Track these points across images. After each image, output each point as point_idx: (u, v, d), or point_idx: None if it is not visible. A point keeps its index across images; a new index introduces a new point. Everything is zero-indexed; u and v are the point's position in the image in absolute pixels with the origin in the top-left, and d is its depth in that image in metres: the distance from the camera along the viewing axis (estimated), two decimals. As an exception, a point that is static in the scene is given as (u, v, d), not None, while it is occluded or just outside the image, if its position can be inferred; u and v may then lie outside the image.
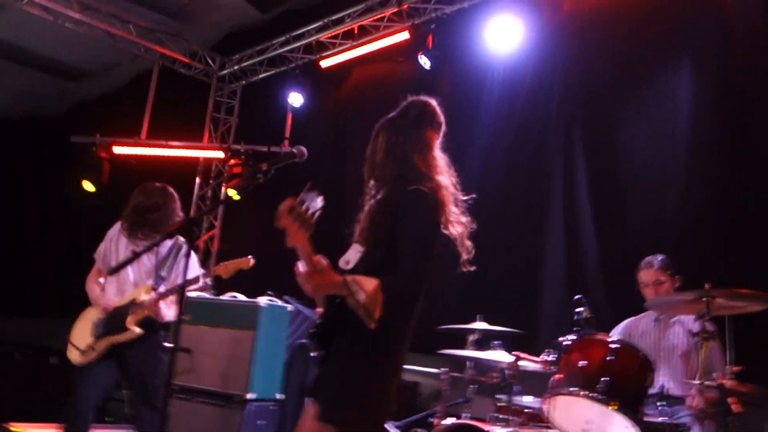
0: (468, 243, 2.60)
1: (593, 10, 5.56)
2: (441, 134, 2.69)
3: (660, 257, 4.00)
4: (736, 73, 4.63)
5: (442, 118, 2.70)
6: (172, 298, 3.99)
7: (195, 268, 4.20)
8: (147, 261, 4.09)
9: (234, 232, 8.58)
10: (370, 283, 2.24)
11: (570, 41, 5.60)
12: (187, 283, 3.82)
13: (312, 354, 2.60)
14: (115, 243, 4.16)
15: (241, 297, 5.19)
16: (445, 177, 2.57)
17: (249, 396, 4.68)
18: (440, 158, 2.63)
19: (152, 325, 3.96)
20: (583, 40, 5.51)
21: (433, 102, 2.71)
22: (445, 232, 2.48)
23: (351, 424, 2.38)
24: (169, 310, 4.00)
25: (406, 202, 2.42)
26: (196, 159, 8.76)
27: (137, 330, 3.90)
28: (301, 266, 2.36)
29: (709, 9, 4.85)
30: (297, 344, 5.61)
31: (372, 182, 2.67)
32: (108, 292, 4.07)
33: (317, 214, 2.29)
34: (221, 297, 5.22)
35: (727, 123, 4.61)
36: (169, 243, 4.16)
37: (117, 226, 4.21)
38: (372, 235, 2.46)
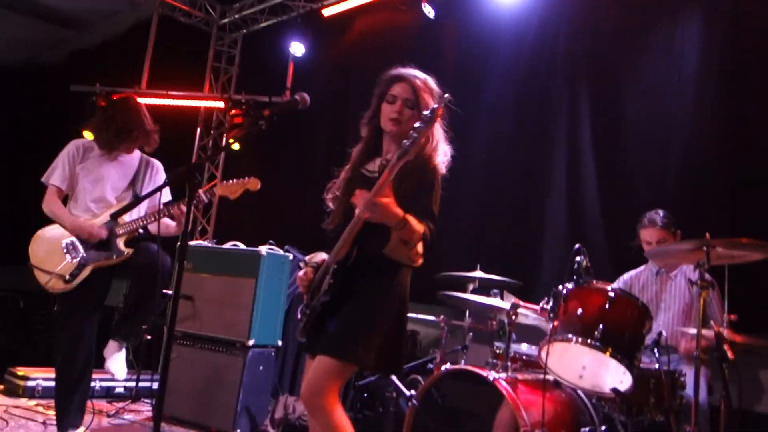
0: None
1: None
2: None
3: (662, 214, 3.99)
4: (743, 22, 4.55)
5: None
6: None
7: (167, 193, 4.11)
8: (118, 178, 4.03)
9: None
10: (419, 227, 2.46)
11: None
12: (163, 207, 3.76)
13: (315, 307, 2.61)
14: (93, 159, 4.00)
15: (243, 246, 5.22)
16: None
17: (250, 342, 4.74)
18: (442, 139, 2.74)
19: (142, 237, 3.95)
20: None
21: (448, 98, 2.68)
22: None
23: (369, 360, 2.49)
24: (152, 225, 3.96)
25: (423, 170, 2.59)
26: (197, 109, 8.70)
27: (129, 250, 3.87)
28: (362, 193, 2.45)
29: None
30: (297, 293, 5.67)
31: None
32: (79, 215, 3.93)
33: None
34: (222, 245, 5.24)
35: (732, 77, 4.54)
36: (136, 157, 4.13)
37: (78, 146, 4.03)
38: (400, 192, 2.51)
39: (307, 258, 2.88)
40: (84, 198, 3.95)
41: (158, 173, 4.19)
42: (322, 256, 2.78)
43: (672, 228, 3.97)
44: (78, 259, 3.82)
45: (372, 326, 2.53)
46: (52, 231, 3.93)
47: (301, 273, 2.78)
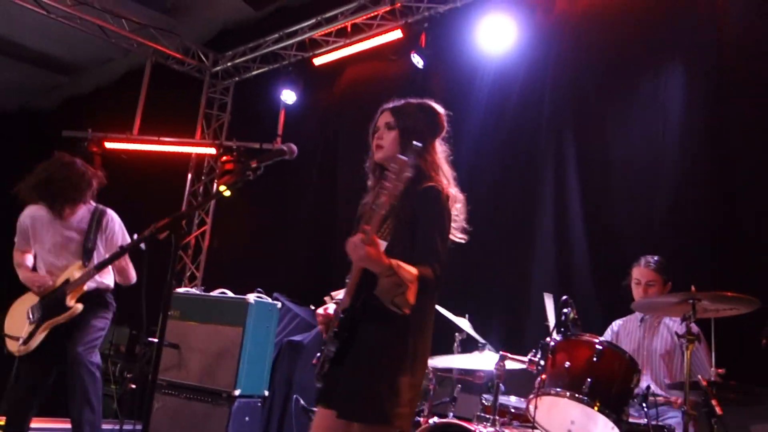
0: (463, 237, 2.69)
1: (585, 11, 5.57)
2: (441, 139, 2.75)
3: (657, 259, 4.01)
4: (727, 76, 4.63)
5: (445, 127, 2.74)
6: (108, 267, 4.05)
7: (124, 235, 4.25)
8: (67, 236, 4.13)
9: (225, 228, 8.57)
10: (411, 272, 2.32)
11: (562, 42, 5.60)
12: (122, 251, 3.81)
13: (326, 353, 2.52)
14: (43, 223, 4.17)
15: (231, 294, 5.19)
16: (449, 179, 2.67)
17: (236, 392, 4.68)
18: (444, 161, 2.71)
19: (93, 297, 4.05)
20: (574, 41, 5.52)
21: (441, 110, 2.73)
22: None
23: (381, 419, 2.34)
24: (107, 278, 4.15)
25: (426, 198, 2.48)
26: (188, 155, 8.75)
27: (79, 306, 3.96)
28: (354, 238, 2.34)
29: (701, 11, 4.86)
30: (285, 341, 5.62)
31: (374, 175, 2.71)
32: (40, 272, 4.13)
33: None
34: (210, 293, 5.21)
35: (717, 127, 4.61)
36: (86, 214, 4.19)
37: (33, 210, 4.23)
38: (396, 231, 2.48)
39: (332, 293, 2.80)
40: (41, 266, 4.17)
41: (110, 223, 4.25)
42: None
43: (664, 275, 3.96)
44: (35, 320, 3.97)
45: (392, 379, 2.38)
46: (22, 300, 4.12)
47: (320, 309, 2.68)
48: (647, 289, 3.99)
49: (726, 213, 4.45)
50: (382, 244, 2.44)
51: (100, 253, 4.13)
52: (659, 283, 3.96)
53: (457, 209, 2.63)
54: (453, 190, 2.61)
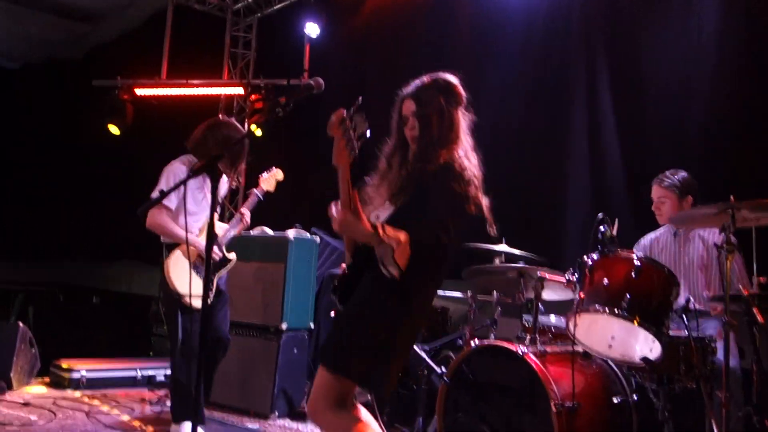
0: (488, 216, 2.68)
1: None
2: (465, 113, 2.74)
3: (677, 177, 3.94)
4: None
5: (465, 97, 2.73)
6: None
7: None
8: (207, 194, 4.16)
9: (260, 167, 8.63)
10: (399, 236, 2.35)
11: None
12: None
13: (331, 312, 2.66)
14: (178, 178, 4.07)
15: (270, 231, 5.29)
16: (471, 158, 2.65)
17: (283, 326, 4.83)
18: (467, 139, 2.70)
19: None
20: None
21: (456, 81, 2.73)
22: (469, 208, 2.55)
23: (358, 373, 2.45)
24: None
25: (441, 174, 2.52)
26: (218, 96, 8.74)
27: (233, 255, 4.30)
28: (334, 206, 2.42)
29: None
30: (326, 274, 5.73)
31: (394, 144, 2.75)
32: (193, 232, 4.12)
33: (362, 138, 2.32)
34: (251, 232, 5.31)
35: (753, 34, 4.44)
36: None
37: (183, 167, 4.13)
38: (406, 201, 2.54)
39: None
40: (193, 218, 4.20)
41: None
42: None
43: (680, 191, 3.90)
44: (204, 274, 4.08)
45: (363, 339, 2.47)
46: (174, 259, 4.08)
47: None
48: (659, 205, 3.98)
49: (763, 121, 4.33)
50: (389, 209, 2.53)
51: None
52: (672, 199, 3.91)
53: (474, 181, 2.60)
54: (467, 162, 2.61)
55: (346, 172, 2.35)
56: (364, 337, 2.47)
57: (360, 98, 2.25)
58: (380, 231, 2.33)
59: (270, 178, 4.55)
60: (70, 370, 5.50)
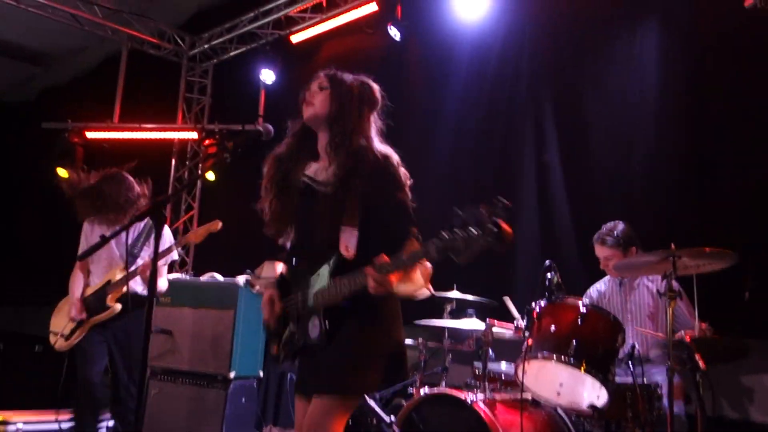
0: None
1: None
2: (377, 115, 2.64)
3: (618, 230, 3.99)
4: (702, 36, 4.64)
5: (379, 103, 2.64)
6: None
7: (168, 241, 4.33)
8: (116, 246, 4.23)
9: (212, 212, 8.55)
10: (412, 247, 2.26)
11: (536, 7, 5.59)
12: (161, 254, 3.88)
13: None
14: (88, 236, 4.32)
15: (220, 277, 5.21)
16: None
17: (231, 374, 4.72)
18: (375, 134, 2.60)
19: (135, 301, 4.08)
20: (549, 5, 5.50)
21: (376, 86, 2.65)
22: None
23: (351, 389, 2.36)
24: (142, 285, 4.22)
25: (382, 167, 2.41)
26: (171, 140, 8.70)
27: (117, 306, 4.11)
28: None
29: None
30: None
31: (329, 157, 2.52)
32: (91, 281, 4.27)
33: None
34: (200, 278, 5.23)
35: (693, 86, 4.63)
36: (141, 225, 4.32)
37: (86, 224, 4.37)
38: (361, 213, 2.39)
39: (256, 272, 2.77)
40: (93, 267, 4.34)
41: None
42: (274, 268, 2.68)
43: (623, 246, 3.96)
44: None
45: (369, 351, 2.36)
46: (67, 299, 4.35)
47: (265, 297, 2.66)
48: (606, 263, 4.04)
49: (702, 170, 4.48)
50: (353, 233, 2.37)
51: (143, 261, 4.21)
52: (617, 255, 3.97)
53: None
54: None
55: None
56: (371, 350, 2.37)
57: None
58: (404, 258, 2.22)
59: (199, 231, 4.37)
60: (5, 423, 5.25)
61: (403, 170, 2.48)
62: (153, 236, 4.05)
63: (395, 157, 2.47)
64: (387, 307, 2.43)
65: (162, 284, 4.37)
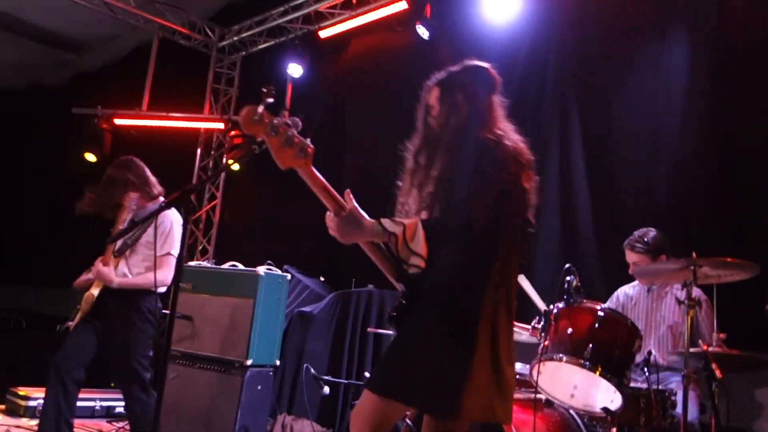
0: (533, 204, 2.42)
1: (591, -21, 5.55)
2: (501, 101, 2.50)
3: (649, 237, 3.98)
4: (729, 42, 4.64)
5: (499, 83, 2.51)
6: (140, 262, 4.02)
7: (169, 240, 4.06)
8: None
9: (235, 202, 8.66)
10: (403, 221, 2.11)
11: (566, 10, 5.59)
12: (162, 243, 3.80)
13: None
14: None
15: (241, 266, 5.27)
16: (512, 136, 2.37)
17: (248, 362, 4.78)
18: (501, 119, 2.43)
19: (124, 296, 3.95)
20: (578, 8, 5.50)
21: (485, 65, 2.52)
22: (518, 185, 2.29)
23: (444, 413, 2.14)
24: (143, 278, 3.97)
25: (469, 151, 2.24)
26: (197, 130, 8.80)
27: (94, 293, 3.94)
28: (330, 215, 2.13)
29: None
30: (296, 312, 5.72)
31: (421, 154, 2.40)
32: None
33: (308, 131, 1.99)
34: (221, 266, 5.30)
35: (719, 93, 4.62)
36: (148, 210, 4.09)
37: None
38: (435, 198, 2.25)
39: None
40: None
41: (159, 226, 4.08)
42: None
43: (652, 253, 3.95)
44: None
45: (411, 354, 2.15)
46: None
47: None
48: (636, 269, 4.04)
49: (727, 179, 4.47)
50: (411, 206, 2.27)
51: (140, 253, 4.04)
52: (646, 262, 3.95)
53: (517, 158, 2.31)
54: (506, 139, 2.31)
55: (309, 173, 2.05)
56: (412, 353, 2.16)
57: (270, 88, 1.96)
58: (385, 223, 2.08)
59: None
60: (26, 398, 5.38)
61: (500, 158, 2.25)
62: (154, 226, 3.96)
63: (491, 144, 2.27)
64: (455, 304, 2.17)
65: (164, 277, 4.03)
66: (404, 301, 2.22)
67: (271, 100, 1.91)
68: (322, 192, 2.09)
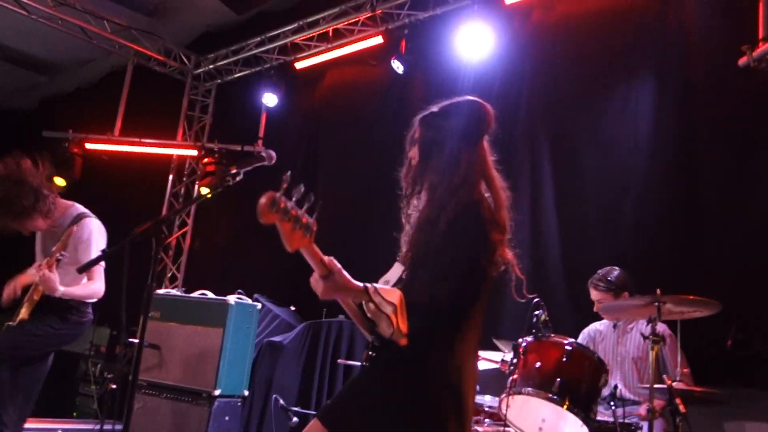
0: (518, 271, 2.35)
1: (560, 20, 5.72)
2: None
3: (613, 275, 4.09)
4: (695, 85, 4.81)
5: (491, 124, 2.39)
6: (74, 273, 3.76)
7: (88, 247, 3.89)
8: (44, 239, 4.04)
9: (206, 229, 8.61)
10: (394, 293, 1.99)
11: (537, 50, 5.75)
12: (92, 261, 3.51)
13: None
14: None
15: (211, 295, 5.25)
16: (501, 197, 2.28)
17: (216, 392, 4.74)
18: (495, 176, 2.33)
19: (52, 304, 3.84)
20: (549, 49, 5.66)
21: (480, 106, 2.39)
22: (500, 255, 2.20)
23: None
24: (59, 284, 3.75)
25: (460, 217, 2.12)
26: (170, 156, 8.78)
27: (24, 315, 3.82)
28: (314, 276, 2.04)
29: (670, 23, 5.03)
30: (265, 342, 5.69)
31: (418, 192, 2.30)
32: None
33: (313, 208, 1.91)
34: (191, 294, 5.27)
35: (684, 134, 4.78)
36: (68, 217, 3.96)
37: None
38: (415, 253, 2.18)
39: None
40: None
41: (78, 232, 3.91)
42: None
43: (614, 291, 4.06)
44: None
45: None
46: None
47: None
48: (599, 306, 4.12)
49: (692, 217, 4.60)
50: (400, 269, 2.21)
51: (66, 260, 3.85)
52: (610, 299, 4.06)
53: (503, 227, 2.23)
54: (494, 203, 2.25)
55: (312, 252, 1.95)
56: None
57: (289, 173, 1.89)
58: (370, 289, 1.96)
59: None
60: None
61: (487, 227, 2.16)
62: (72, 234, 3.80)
63: (485, 212, 2.19)
64: (440, 370, 2.09)
65: (95, 288, 3.91)
66: (373, 353, 2.17)
67: (285, 186, 1.87)
68: (317, 263, 1.98)
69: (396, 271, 2.25)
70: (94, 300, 4.04)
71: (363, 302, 2.00)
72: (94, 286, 3.91)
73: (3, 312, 3.98)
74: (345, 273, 1.99)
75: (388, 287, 2.04)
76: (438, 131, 2.29)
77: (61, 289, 3.75)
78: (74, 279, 3.86)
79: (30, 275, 3.94)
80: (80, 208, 4.08)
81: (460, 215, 2.12)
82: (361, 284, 1.98)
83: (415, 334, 1.99)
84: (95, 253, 3.86)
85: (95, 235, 3.96)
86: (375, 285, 2.00)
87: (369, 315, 2.01)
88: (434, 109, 2.35)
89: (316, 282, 2.03)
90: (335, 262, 1.99)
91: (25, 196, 3.74)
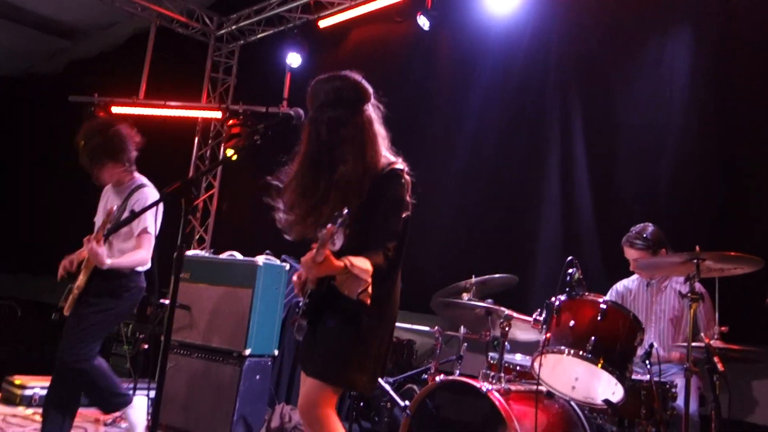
0: None
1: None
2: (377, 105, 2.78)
3: (648, 232, 3.98)
4: (733, 42, 4.63)
5: (371, 91, 2.77)
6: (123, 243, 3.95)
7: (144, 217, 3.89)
8: (108, 208, 4.01)
9: (232, 191, 8.63)
10: (366, 267, 2.39)
11: (568, 3, 5.56)
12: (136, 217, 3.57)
13: (300, 324, 2.68)
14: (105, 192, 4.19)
15: (239, 256, 5.25)
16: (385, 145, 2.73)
17: (246, 352, 4.77)
18: (377, 124, 2.75)
19: (107, 277, 3.89)
20: (582, 3, 5.48)
21: (359, 78, 2.77)
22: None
23: (349, 381, 2.59)
24: (125, 258, 3.91)
25: (388, 180, 2.59)
26: (195, 119, 8.76)
27: (81, 282, 3.91)
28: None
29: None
30: (294, 302, 5.70)
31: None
32: None
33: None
34: (219, 256, 5.28)
35: (722, 91, 4.61)
36: (128, 187, 4.06)
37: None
38: (357, 213, 2.50)
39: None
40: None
41: (137, 201, 3.99)
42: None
43: (653, 248, 3.95)
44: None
45: (361, 348, 2.59)
46: None
47: (294, 277, 2.80)
48: (636, 265, 4.04)
49: (730, 175, 4.47)
50: (340, 237, 2.52)
51: (122, 232, 3.96)
52: (647, 257, 3.95)
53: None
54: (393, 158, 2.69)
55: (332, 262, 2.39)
56: (348, 349, 2.58)
57: (345, 211, 2.30)
58: (349, 265, 2.38)
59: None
60: (22, 387, 5.34)
61: (407, 189, 2.65)
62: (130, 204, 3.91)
63: (404, 177, 2.67)
64: (383, 298, 2.61)
65: (141, 258, 3.95)
66: (311, 302, 2.63)
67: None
68: (334, 269, 2.42)
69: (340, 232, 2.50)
70: (144, 268, 4.05)
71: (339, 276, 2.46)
72: (140, 255, 3.94)
73: (69, 276, 4.04)
74: (331, 255, 2.37)
75: (359, 259, 2.40)
76: (348, 127, 2.69)
77: (108, 262, 3.81)
78: (123, 249, 3.97)
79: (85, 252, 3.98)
80: (143, 178, 4.15)
81: (393, 181, 2.61)
82: (341, 263, 2.38)
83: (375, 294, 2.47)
84: (150, 222, 3.90)
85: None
86: (350, 259, 2.38)
87: (344, 284, 2.46)
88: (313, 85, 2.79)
89: (308, 267, 2.42)
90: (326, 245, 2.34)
91: (122, 141, 4.01)
